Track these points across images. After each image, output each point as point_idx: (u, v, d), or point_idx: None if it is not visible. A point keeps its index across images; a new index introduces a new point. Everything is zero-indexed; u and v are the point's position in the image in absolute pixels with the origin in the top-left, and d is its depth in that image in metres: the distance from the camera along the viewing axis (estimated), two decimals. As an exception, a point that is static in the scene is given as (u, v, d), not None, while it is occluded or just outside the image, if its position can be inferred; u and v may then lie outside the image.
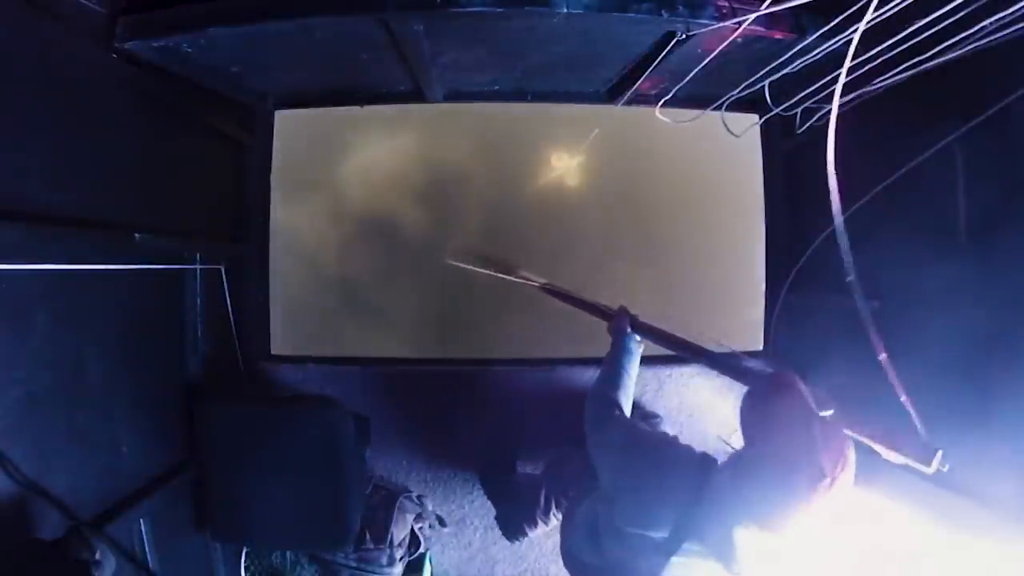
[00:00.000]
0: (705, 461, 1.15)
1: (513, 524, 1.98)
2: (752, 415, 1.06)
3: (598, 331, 1.69)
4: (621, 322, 1.55)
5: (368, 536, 1.89)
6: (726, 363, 1.41)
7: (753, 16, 1.21)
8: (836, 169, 0.92)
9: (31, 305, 1.21)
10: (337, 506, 1.76)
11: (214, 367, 1.95)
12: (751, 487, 0.98)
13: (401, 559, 1.98)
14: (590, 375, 2.08)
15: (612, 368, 1.44)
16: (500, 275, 2.06)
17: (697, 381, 2.15)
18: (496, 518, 2.08)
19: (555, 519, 1.87)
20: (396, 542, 1.95)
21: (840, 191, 0.93)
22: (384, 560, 1.92)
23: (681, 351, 1.51)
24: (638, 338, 1.54)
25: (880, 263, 1.53)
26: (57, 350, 1.29)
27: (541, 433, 2.15)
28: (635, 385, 1.46)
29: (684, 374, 2.16)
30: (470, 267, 2.14)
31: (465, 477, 2.20)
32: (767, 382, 1.13)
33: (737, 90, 1.59)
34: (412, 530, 2.04)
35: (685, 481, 1.10)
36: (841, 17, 1.18)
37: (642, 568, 1.09)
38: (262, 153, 2.16)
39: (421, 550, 2.09)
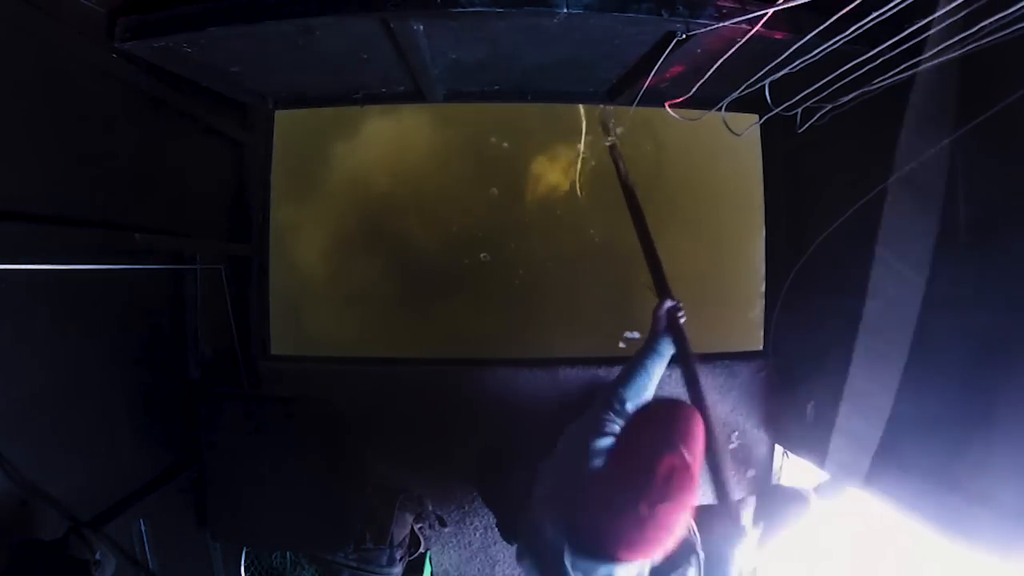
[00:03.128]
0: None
1: (514, 526, 1.98)
2: (635, 421, 1.05)
3: (597, 331, 1.69)
4: (661, 316, 1.48)
5: (368, 536, 1.89)
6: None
7: (753, 16, 1.21)
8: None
9: (31, 305, 1.21)
10: (337, 506, 1.76)
11: (214, 367, 1.95)
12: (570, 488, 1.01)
13: (401, 559, 1.98)
14: (590, 375, 2.09)
15: (633, 366, 1.38)
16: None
17: (697, 381, 2.15)
18: (497, 524, 2.07)
19: None
20: (396, 542, 1.95)
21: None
22: (384, 560, 1.91)
23: (684, 368, 1.47)
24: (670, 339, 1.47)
25: (880, 263, 1.53)
26: (57, 350, 1.29)
27: (540, 433, 2.15)
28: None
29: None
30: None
31: (465, 477, 2.20)
32: (670, 405, 1.09)
33: (737, 90, 1.59)
34: (412, 530, 2.04)
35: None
36: (839, 15, 1.18)
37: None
38: (262, 153, 2.17)
39: (421, 550, 2.09)
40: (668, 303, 1.50)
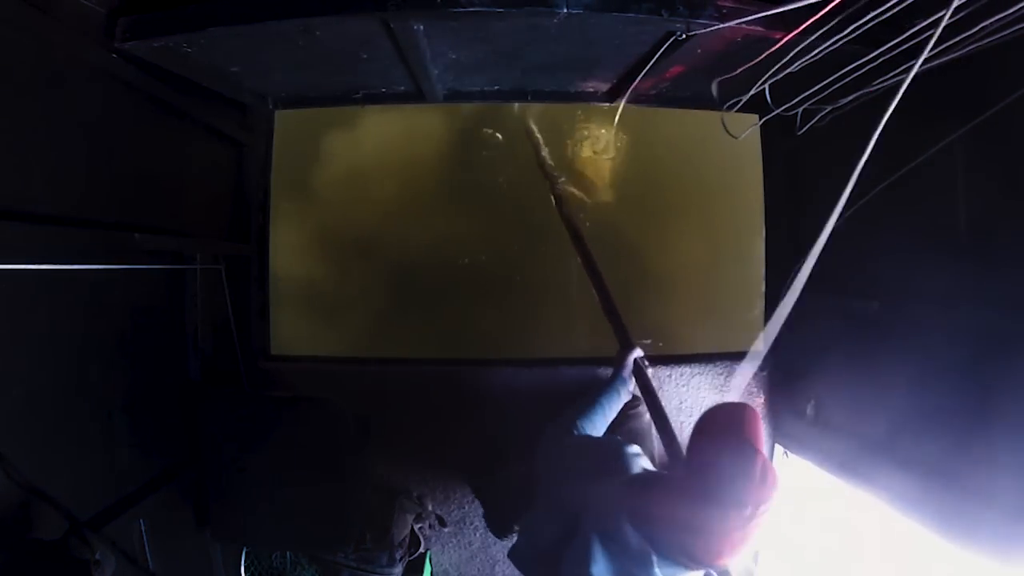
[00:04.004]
0: (609, 470, 1.17)
1: (502, 521, 1.98)
2: (703, 434, 1.07)
3: (598, 331, 1.69)
4: (627, 361, 1.55)
5: (368, 536, 1.89)
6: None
7: (753, 17, 1.21)
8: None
9: (31, 305, 1.21)
10: (337, 506, 1.76)
11: (214, 367, 1.94)
12: (671, 503, 1.00)
13: (401, 559, 1.98)
14: (590, 375, 2.08)
15: (591, 400, 1.45)
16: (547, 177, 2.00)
17: (697, 381, 2.16)
18: (484, 516, 2.08)
19: None
20: (396, 542, 1.95)
21: (839, 191, 0.93)
22: (384, 560, 1.91)
23: (653, 413, 1.52)
24: (632, 384, 1.54)
25: (880, 263, 1.53)
26: (57, 350, 1.29)
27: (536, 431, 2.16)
28: (609, 421, 1.46)
29: (684, 374, 2.16)
30: (535, 138, 2.06)
31: (465, 477, 2.20)
32: (730, 408, 1.12)
33: (739, 91, 1.60)
34: (412, 530, 2.04)
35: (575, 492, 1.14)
36: (841, 16, 1.18)
37: None
38: (262, 153, 2.16)
39: (421, 550, 2.09)
40: (636, 353, 1.57)
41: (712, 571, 1.07)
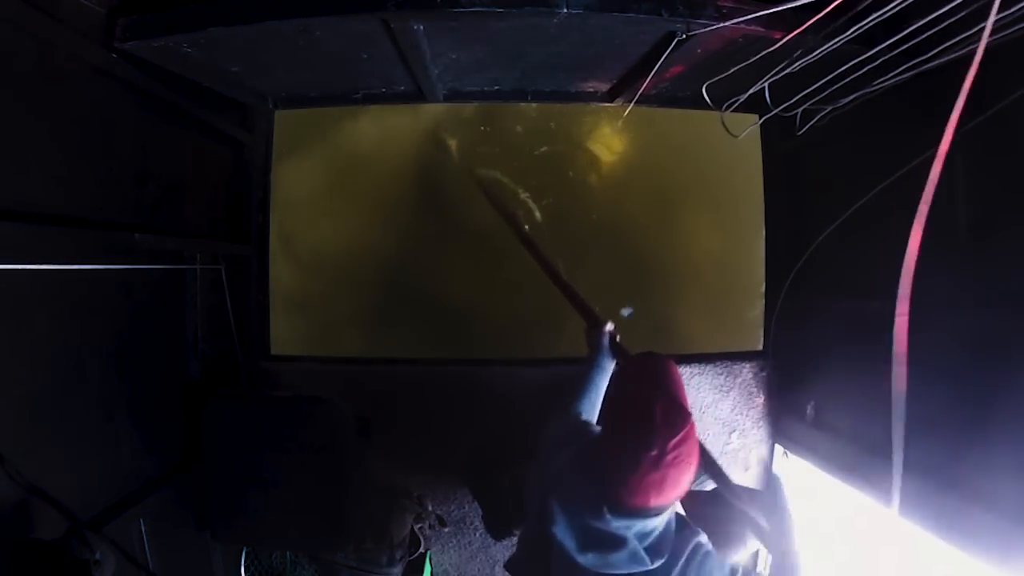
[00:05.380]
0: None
1: (500, 524, 1.98)
2: (612, 387, 1.13)
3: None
4: (602, 338, 1.57)
5: (368, 536, 1.89)
6: None
7: (753, 16, 1.21)
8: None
9: (31, 305, 1.21)
10: (337, 506, 1.76)
11: (214, 367, 1.95)
12: (591, 456, 1.05)
13: (401, 559, 1.98)
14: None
15: (582, 383, 1.47)
16: (500, 214, 2.05)
17: (697, 380, 2.15)
18: (482, 518, 2.08)
19: None
20: (396, 542, 1.95)
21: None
22: (384, 560, 1.91)
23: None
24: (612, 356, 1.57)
25: (880, 263, 1.53)
26: (57, 350, 1.29)
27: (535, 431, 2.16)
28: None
29: (685, 374, 2.15)
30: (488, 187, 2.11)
31: (464, 478, 2.20)
32: (636, 358, 1.20)
33: (745, 93, 1.59)
34: (412, 530, 2.04)
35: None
36: (840, 16, 1.18)
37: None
38: (262, 153, 2.16)
39: (421, 550, 2.09)
40: (608, 327, 1.59)
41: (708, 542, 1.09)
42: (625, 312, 1.92)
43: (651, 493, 0.95)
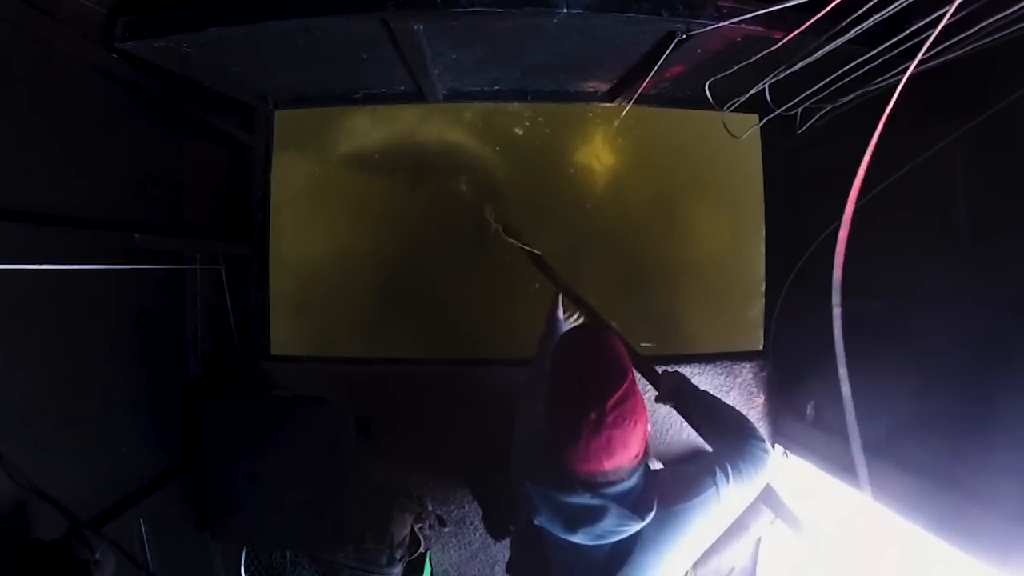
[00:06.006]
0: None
1: (499, 523, 1.98)
2: (554, 354, 1.14)
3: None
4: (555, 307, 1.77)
5: (368, 536, 1.89)
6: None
7: (753, 16, 1.21)
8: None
9: (31, 305, 1.21)
10: (337, 506, 1.76)
11: (214, 367, 1.95)
12: (545, 437, 1.06)
13: (401, 559, 1.98)
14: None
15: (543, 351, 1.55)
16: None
17: (697, 380, 2.14)
18: (482, 518, 2.08)
19: None
20: (396, 542, 1.95)
21: (840, 191, 0.93)
22: (384, 560, 1.91)
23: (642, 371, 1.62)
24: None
25: (880, 263, 1.53)
26: (57, 350, 1.29)
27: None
28: None
29: (685, 373, 2.15)
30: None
31: (463, 479, 2.20)
32: (569, 331, 1.22)
33: (746, 94, 1.59)
34: (412, 530, 2.04)
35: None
36: (847, 21, 1.18)
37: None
38: (262, 153, 2.16)
39: (421, 550, 2.09)
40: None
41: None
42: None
43: (601, 458, 0.95)
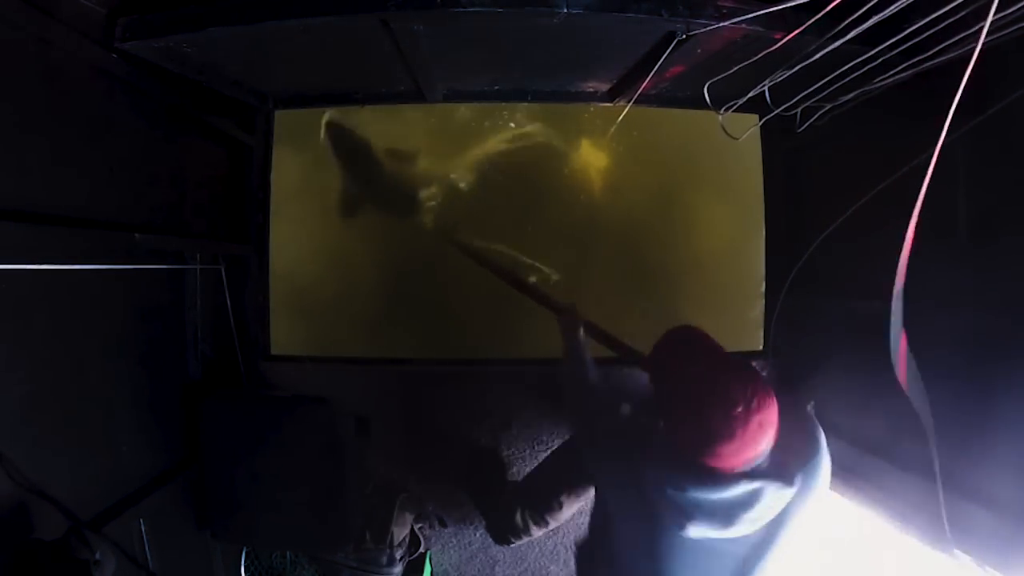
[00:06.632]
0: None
1: (504, 529, 1.97)
2: (657, 364, 1.16)
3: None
4: (573, 325, 1.66)
5: (368, 536, 1.89)
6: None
7: (753, 16, 1.21)
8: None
9: (31, 305, 1.21)
10: (337, 506, 1.76)
11: (214, 367, 1.95)
12: (669, 427, 1.07)
13: (401, 559, 1.98)
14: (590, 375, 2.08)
15: (574, 363, 1.56)
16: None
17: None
18: (487, 527, 2.07)
19: (549, 522, 1.86)
20: (396, 542, 1.95)
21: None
22: (384, 560, 1.92)
23: (622, 354, 1.67)
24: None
25: (880, 263, 1.53)
26: (57, 350, 1.29)
27: (536, 432, 2.16)
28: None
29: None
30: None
31: (462, 480, 2.20)
32: (668, 337, 1.23)
33: (745, 96, 1.59)
34: (412, 530, 2.04)
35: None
36: (847, 21, 1.17)
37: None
38: (262, 153, 2.16)
39: (421, 550, 2.09)
40: (565, 316, 1.72)
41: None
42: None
43: (758, 442, 0.97)
